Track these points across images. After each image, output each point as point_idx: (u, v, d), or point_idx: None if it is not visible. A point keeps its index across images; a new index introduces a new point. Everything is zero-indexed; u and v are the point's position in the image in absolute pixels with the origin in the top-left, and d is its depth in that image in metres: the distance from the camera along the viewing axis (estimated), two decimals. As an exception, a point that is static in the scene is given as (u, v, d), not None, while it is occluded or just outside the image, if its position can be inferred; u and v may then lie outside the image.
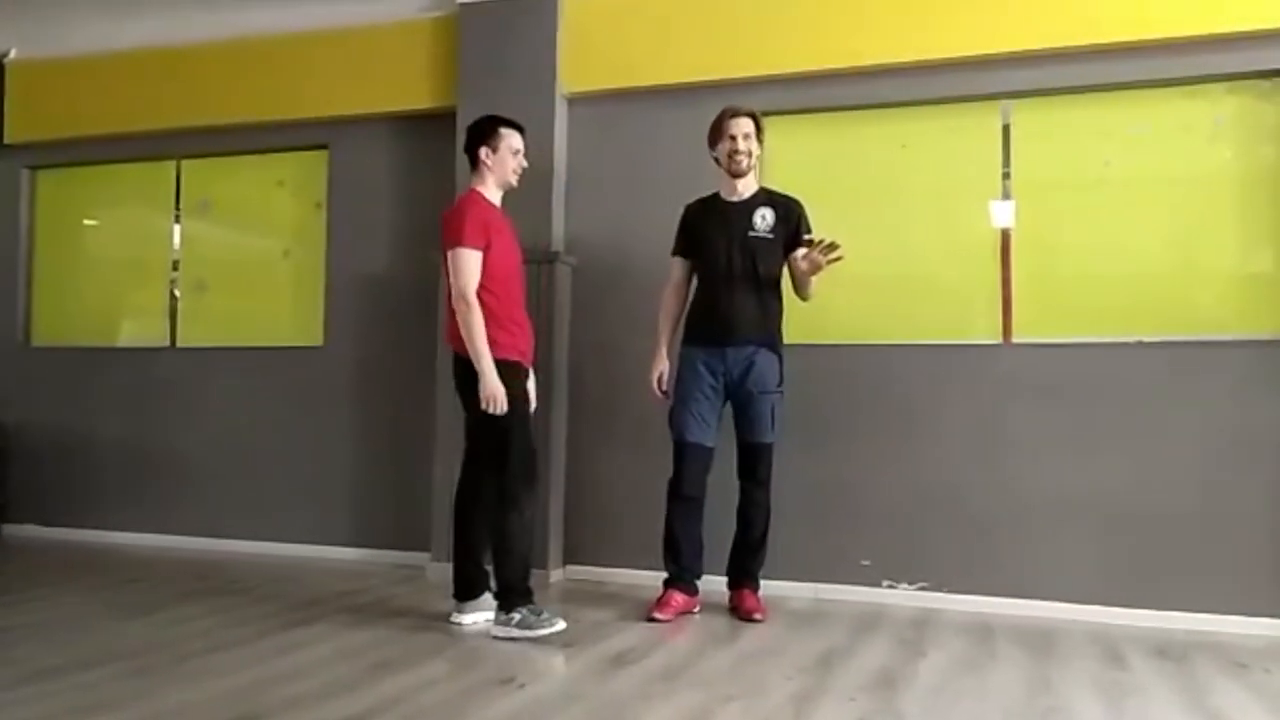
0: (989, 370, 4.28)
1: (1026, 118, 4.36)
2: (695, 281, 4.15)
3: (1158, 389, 4.05)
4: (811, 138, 4.67)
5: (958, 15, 4.30)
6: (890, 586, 4.31)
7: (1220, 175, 4.14)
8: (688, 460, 3.96)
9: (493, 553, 3.62)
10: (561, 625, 3.54)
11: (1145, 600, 3.99)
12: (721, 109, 4.08)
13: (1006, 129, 4.37)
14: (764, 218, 4.00)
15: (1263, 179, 4.08)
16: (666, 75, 4.71)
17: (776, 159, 4.62)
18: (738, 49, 4.59)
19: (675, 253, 4.19)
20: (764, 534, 4.03)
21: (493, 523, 3.63)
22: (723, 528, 4.07)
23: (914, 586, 4.29)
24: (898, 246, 4.51)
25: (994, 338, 4.33)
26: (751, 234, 3.99)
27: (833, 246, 3.72)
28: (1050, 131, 4.33)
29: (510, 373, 3.62)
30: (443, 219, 3.74)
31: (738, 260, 3.97)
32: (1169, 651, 3.55)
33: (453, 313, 3.64)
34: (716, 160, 4.08)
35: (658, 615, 3.86)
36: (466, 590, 3.76)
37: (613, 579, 4.43)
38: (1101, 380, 4.12)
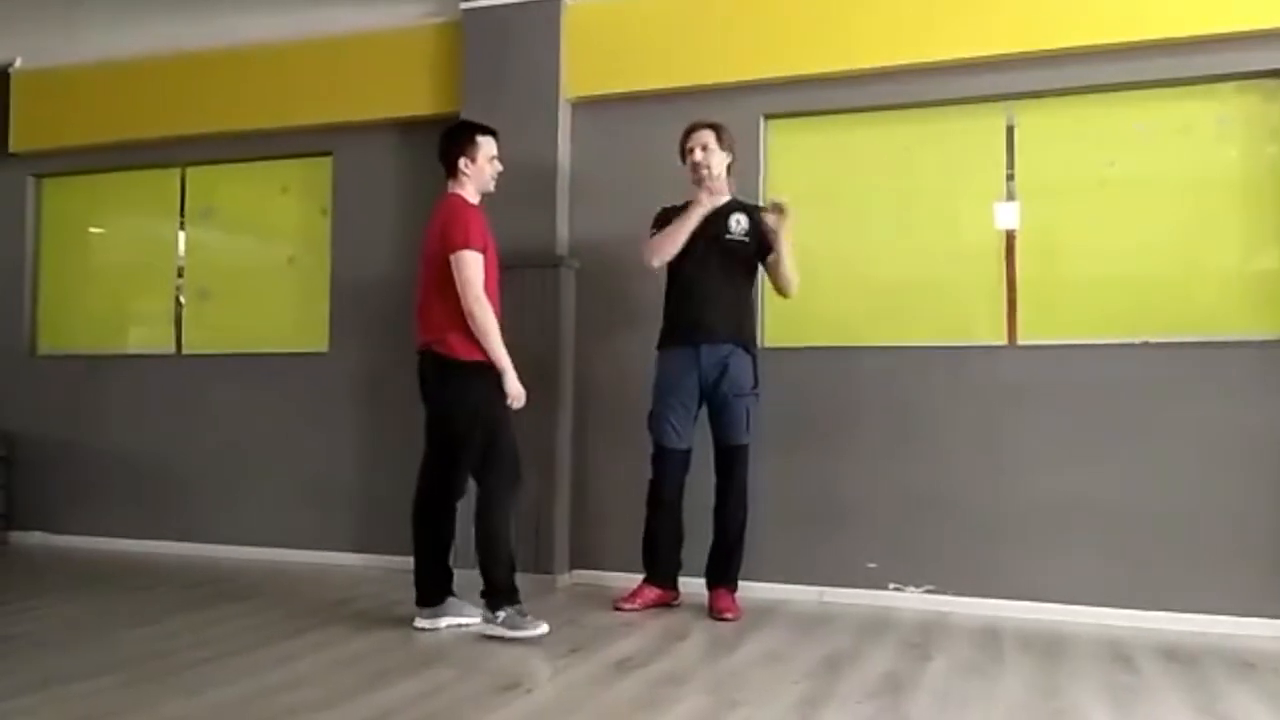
0: (994, 372, 4.26)
1: (1030, 119, 4.34)
2: (668, 283, 4.19)
3: (1164, 390, 4.03)
4: (815, 141, 4.66)
5: (960, 17, 4.29)
6: (897, 590, 4.30)
7: (1225, 175, 4.13)
8: (667, 466, 4.10)
9: (481, 554, 3.64)
10: (544, 629, 3.57)
11: (1153, 602, 3.96)
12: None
13: (1010, 130, 4.36)
14: (738, 222, 4.11)
15: (1267, 179, 4.06)
16: (670, 79, 4.70)
17: (780, 162, 4.61)
18: (741, 53, 4.58)
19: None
20: (741, 532, 4.09)
21: (483, 525, 3.66)
22: (706, 529, 4.13)
23: (920, 590, 4.27)
24: (903, 249, 4.50)
25: (999, 339, 4.31)
26: (727, 237, 4.08)
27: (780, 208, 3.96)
28: (1054, 133, 4.32)
29: (494, 374, 3.67)
30: (439, 223, 3.75)
31: (713, 262, 4.06)
32: (1177, 654, 3.53)
33: (432, 314, 3.70)
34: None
35: (622, 605, 4.06)
36: (438, 595, 3.77)
37: (619, 583, 4.42)
38: (1107, 381, 4.10)
